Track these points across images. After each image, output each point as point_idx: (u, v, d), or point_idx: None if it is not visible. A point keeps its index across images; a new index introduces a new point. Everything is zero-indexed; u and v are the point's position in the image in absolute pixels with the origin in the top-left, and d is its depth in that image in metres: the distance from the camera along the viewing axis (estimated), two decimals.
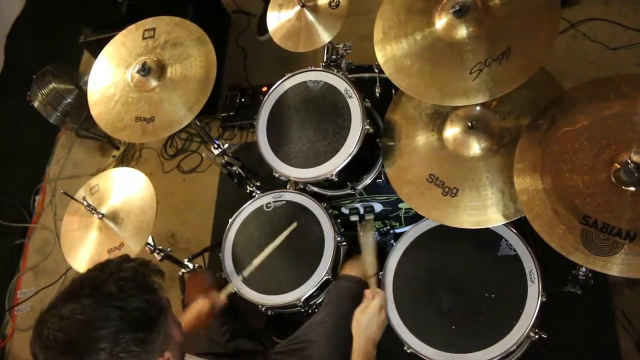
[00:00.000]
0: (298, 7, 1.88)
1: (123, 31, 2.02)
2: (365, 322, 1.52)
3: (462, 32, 1.51)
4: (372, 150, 1.92)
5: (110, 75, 1.94)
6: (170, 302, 1.14)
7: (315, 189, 2.06)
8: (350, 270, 1.88)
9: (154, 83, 1.85)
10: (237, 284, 1.87)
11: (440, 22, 1.56)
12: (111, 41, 2.02)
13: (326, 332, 1.71)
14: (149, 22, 1.99)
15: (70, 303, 0.99)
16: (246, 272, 1.88)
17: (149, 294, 1.05)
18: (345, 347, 1.60)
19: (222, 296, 1.79)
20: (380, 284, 1.74)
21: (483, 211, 1.62)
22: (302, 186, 2.08)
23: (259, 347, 1.84)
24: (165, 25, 1.96)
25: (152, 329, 1.04)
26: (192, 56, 1.85)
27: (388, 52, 1.62)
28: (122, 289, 1.01)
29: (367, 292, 1.62)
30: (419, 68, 1.56)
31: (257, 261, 1.87)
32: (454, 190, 1.66)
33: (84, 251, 1.86)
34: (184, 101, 1.80)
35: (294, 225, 1.91)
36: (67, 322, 0.97)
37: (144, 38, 1.96)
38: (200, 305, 1.69)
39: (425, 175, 1.72)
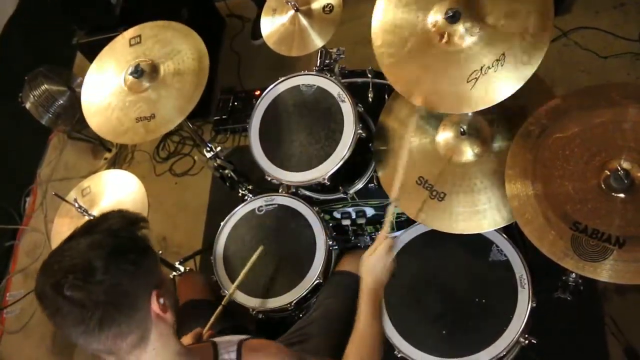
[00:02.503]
0: (292, 12, 1.89)
1: (108, 45, 2.01)
2: (372, 262, 1.52)
3: (456, 38, 1.52)
4: (365, 155, 1.92)
5: (104, 89, 1.92)
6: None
7: (307, 192, 2.07)
8: (346, 265, 1.89)
9: (147, 84, 1.84)
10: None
11: (435, 28, 1.56)
12: (99, 56, 2.01)
13: (325, 326, 1.74)
14: (132, 31, 1.98)
15: (68, 242, 1.08)
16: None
17: (137, 228, 1.13)
18: (343, 340, 1.61)
19: (207, 327, 1.72)
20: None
21: (473, 217, 1.62)
22: (294, 190, 2.08)
23: None
24: (150, 29, 1.96)
25: (143, 254, 1.11)
26: (182, 51, 1.86)
27: (387, 59, 1.61)
28: (113, 224, 1.10)
29: (380, 233, 1.61)
30: (417, 75, 1.55)
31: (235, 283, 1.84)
32: (442, 195, 1.67)
33: None
34: (182, 93, 1.81)
35: (260, 249, 1.89)
36: (68, 252, 1.04)
37: (130, 45, 1.96)
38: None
39: (414, 177, 1.72)
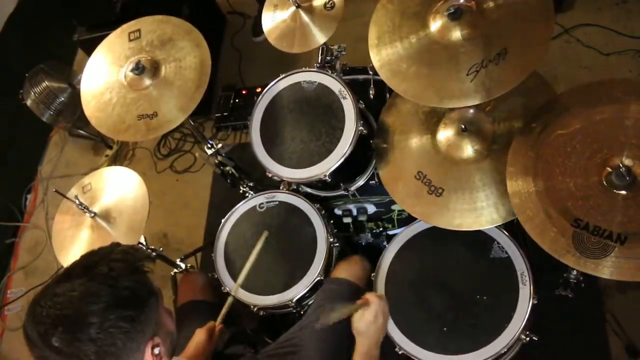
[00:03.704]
0: (293, 8, 1.88)
1: (107, 38, 2.00)
2: (366, 323, 1.51)
3: (457, 34, 1.51)
4: (366, 152, 1.92)
5: (102, 82, 1.92)
6: (161, 292, 1.15)
7: (308, 189, 2.06)
8: (340, 272, 1.87)
9: (148, 81, 1.84)
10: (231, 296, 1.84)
11: (435, 24, 1.56)
12: (97, 48, 1.99)
13: (315, 336, 1.70)
14: (132, 25, 1.97)
15: (63, 283, 1.03)
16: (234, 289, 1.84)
17: (139, 275, 1.08)
18: (334, 351, 1.60)
19: (218, 321, 1.73)
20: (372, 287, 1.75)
21: (470, 213, 1.62)
22: (295, 187, 2.08)
23: (249, 349, 1.83)
24: (150, 24, 1.95)
25: (142, 308, 1.06)
26: (184, 48, 1.85)
27: (383, 56, 1.62)
28: (113, 269, 1.04)
29: (371, 295, 1.57)
30: (415, 71, 1.55)
31: (241, 277, 1.82)
32: (440, 190, 1.67)
33: (75, 250, 1.85)
34: (184, 92, 1.80)
35: (265, 235, 1.88)
36: (60, 299, 1.00)
37: (130, 40, 1.94)
38: (197, 336, 1.66)
39: (413, 172, 1.73)
